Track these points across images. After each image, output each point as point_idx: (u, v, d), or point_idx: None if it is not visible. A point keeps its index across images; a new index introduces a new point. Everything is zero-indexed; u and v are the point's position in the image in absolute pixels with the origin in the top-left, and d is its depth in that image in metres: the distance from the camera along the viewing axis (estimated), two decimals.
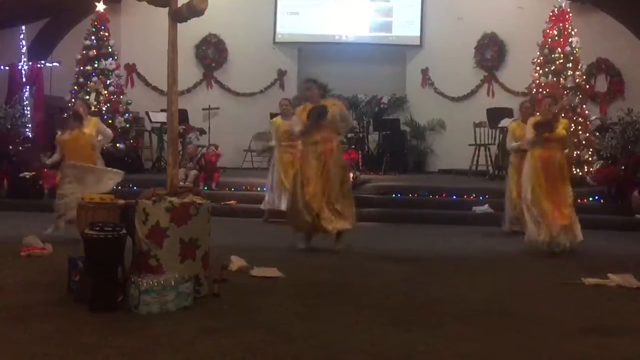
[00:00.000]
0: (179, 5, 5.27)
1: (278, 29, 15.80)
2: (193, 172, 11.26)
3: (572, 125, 11.07)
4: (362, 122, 15.24)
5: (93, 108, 12.49)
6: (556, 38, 11.72)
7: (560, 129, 7.54)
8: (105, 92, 12.87)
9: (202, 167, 11.57)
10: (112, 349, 3.83)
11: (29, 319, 4.42)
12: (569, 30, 11.76)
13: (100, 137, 8.25)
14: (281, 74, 15.74)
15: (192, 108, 14.16)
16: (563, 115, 9.75)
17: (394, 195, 11.01)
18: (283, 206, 8.97)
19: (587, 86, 12.44)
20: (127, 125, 13.07)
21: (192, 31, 13.72)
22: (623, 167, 10.47)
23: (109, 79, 13.03)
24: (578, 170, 11.03)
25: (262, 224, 9.55)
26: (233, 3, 15.18)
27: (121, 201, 5.31)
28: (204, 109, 14.92)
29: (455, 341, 4.12)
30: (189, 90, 15.23)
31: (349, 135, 13.90)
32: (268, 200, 9.62)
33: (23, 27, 13.92)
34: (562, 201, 7.41)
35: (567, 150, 9.99)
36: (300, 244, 7.32)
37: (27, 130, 13.02)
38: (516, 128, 8.80)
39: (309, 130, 7.23)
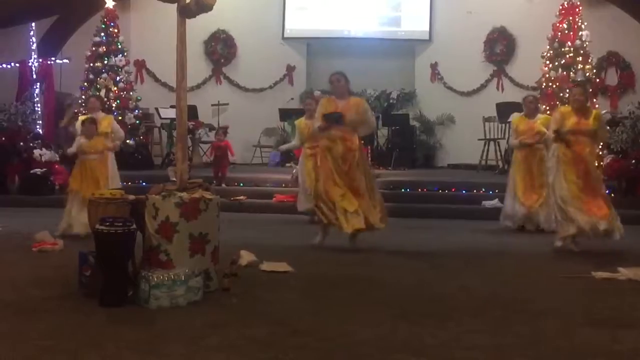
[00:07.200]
0: (188, 1, 5.29)
1: (287, 25, 15.77)
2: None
3: None
4: None
5: None
6: (566, 32, 11.65)
7: (591, 120, 7.12)
8: (115, 88, 12.90)
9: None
10: (122, 343, 3.87)
11: (40, 313, 4.46)
12: (579, 24, 11.68)
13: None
14: (290, 69, 15.72)
15: (201, 104, 14.15)
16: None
17: (403, 190, 11.01)
18: (300, 207, 8.96)
19: (597, 80, 12.37)
20: (137, 122, 13.09)
21: (201, 27, 13.72)
22: (634, 161, 10.42)
23: (119, 76, 13.06)
24: None
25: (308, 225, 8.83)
26: None
27: (131, 197, 5.33)
28: (213, 105, 14.92)
29: (464, 334, 4.13)
30: (198, 86, 15.22)
31: None
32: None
33: (33, 24, 13.98)
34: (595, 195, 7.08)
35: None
36: (315, 240, 7.21)
37: (37, 126, 13.09)
38: (519, 123, 8.72)
39: (323, 131, 7.14)
